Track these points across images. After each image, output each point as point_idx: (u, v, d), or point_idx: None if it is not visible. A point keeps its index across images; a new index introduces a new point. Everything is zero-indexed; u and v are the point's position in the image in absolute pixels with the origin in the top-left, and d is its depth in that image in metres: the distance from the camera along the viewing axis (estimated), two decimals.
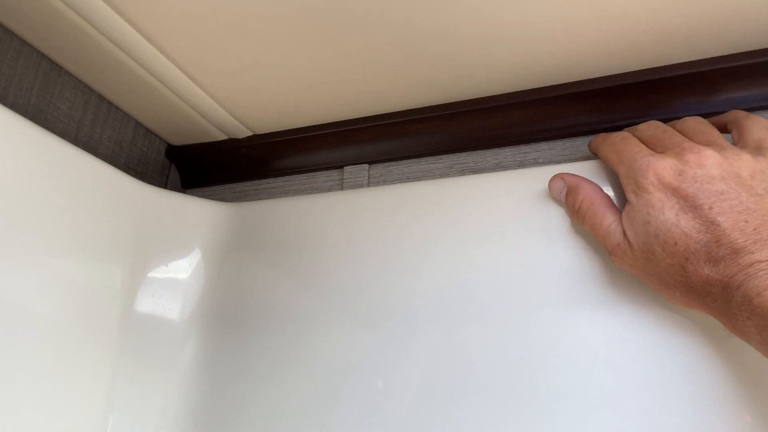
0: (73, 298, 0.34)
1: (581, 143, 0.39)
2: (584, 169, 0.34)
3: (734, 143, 0.30)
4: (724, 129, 0.32)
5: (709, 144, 0.28)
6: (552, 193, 0.34)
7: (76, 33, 0.36)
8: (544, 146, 0.40)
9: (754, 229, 0.25)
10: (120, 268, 0.37)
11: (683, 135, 0.30)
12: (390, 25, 0.33)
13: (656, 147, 0.30)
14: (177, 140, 0.50)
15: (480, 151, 0.42)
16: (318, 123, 0.45)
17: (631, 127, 0.34)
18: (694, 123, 0.31)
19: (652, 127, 0.32)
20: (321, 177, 0.47)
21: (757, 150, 0.28)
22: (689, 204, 0.27)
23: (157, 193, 0.40)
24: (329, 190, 0.46)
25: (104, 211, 0.36)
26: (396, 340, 0.35)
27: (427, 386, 0.33)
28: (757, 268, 0.24)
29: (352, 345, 0.36)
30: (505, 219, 0.36)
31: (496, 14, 0.32)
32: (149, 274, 0.39)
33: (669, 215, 0.27)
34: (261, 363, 0.38)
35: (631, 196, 0.29)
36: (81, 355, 0.34)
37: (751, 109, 0.33)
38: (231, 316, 0.40)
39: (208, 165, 0.50)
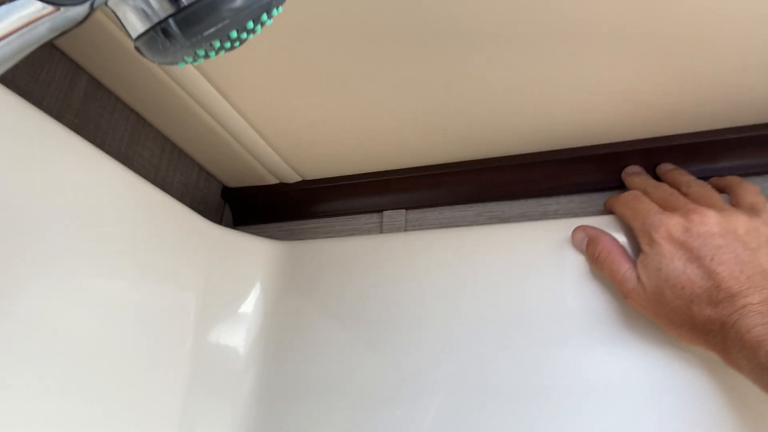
0: (151, 330, 0.38)
1: (596, 197, 0.45)
2: (601, 222, 0.40)
3: (731, 205, 0.36)
4: (722, 190, 0.38)
5: (710, 206, 0.34)
6: (574, 243, 0.40)
7: (165, 93, 0.42)
8: (563, 199, 0.46)
9: (748, 278, 0.31)
10: (193, 302, 0.42)
11: (688, 198, 0.36)
12: (435, 97, 0.40)
13: (664, 206, 0.36)
14: (232, 182, 0.55)
15: (506, 202, 0.48)
16: (362, 172, 0.51)
17: (641, 184, 0.39)
18: (698, 187, 0.37)
19: (660, 189, 0.38)
20: (362, 219, 0.52)
21: (751, 211, 0.34)
22: (694, 255, 0.33)
23: (223, 232, 0.45)
24: (370, 231, 0.52)
25: (182, 248, 0.41)
26: (425, 372, 0.40)
27: (450, 414, 0.38)
28: (749, 309, 0.30)
29: (390, 375, 0.41)
30: (529, 264, 0.41)
31: (527, 89, 0.38)
32: (218, 307, 0.43)
33: (677, 264, 0.33)
34: (309, 388, 0.43)
35: (645, 247, 0.35)
36: (155, 382, 0.38)
37: (745, 176, 0.39)
38: (283, 347, 0.45)
39: (259, 205, 0.55)
